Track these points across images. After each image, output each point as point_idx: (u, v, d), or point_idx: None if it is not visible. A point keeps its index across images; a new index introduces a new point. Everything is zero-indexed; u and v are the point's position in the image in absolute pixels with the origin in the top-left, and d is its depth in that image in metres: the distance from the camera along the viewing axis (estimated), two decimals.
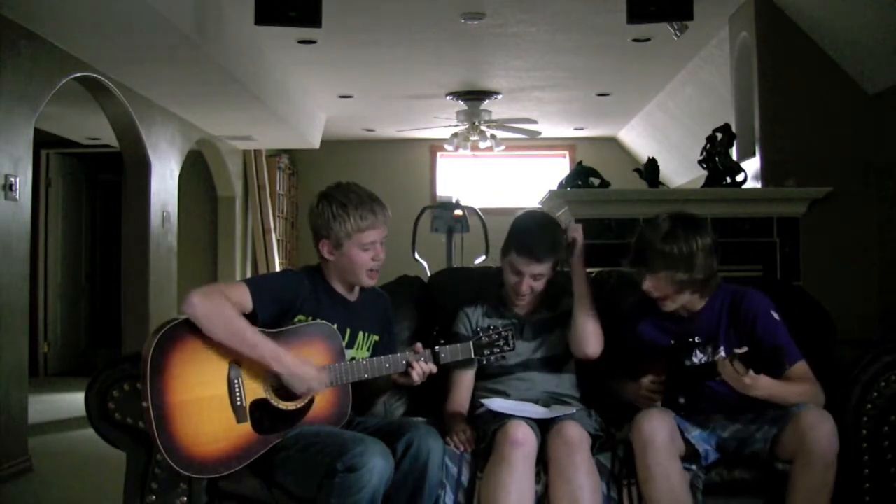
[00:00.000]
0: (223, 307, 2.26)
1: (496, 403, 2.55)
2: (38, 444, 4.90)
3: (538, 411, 2.52)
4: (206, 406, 2.26)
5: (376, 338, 2.63)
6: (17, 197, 4.45)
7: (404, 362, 2.43)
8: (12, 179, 4.39)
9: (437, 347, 2.46)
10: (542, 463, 2.38)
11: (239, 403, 2.30)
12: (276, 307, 2.41)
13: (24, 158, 4.54)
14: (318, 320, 2.45)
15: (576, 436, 2.35)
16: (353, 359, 2.50)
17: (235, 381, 2.30)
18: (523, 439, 2.33)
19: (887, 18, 4.57)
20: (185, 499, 2.39)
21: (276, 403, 2.35)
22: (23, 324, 4.58)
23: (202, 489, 2.37)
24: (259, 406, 2.33)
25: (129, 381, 2.39)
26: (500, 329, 2.52)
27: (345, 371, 2.40)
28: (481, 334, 2.52)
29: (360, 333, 2.57)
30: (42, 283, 8.39)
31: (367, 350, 2.59)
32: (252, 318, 2.35)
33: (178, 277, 6.91)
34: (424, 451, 2.28)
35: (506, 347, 2.51)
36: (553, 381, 2.70)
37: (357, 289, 2.60)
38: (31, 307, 4.99)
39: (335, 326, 2.47)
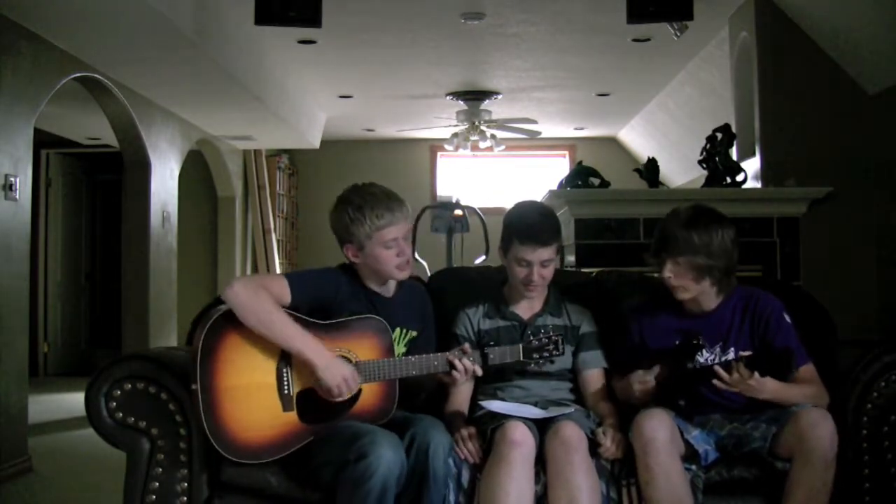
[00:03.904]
0: (261, 297, 2.29)
1: (495, 405, 2.54)
2: (38, 444, 4.89)
3: (536, 412, 2.52)
4: (253, 393, 2.31)
5: (414, 333, 2.63)
6: (17, 197, 4.45)
7: (446, 360, 2.42)
8: (12, 179, 4.39)
9: (486, 349, 2.47)
10: (542, 463, 2.38)
11: (286, 392, 2.34)
12: (313, 303, 2.44)
13: (24, 158, 4.54)
14: (370, 315, 2.46)
15: (573, 436, 2.34)
16: None
17: (285, 371, 2.34)
18: (521, 439, 2.32)
19: (887, 18, 4.57)
20: (185, 498, 2.39)
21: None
22: (23, 324, 4.57)
23: (203, 483, 2.39)
24: (306, 396, 2.36)
25: (129, 381, 2.40)
26: (551, 333, 2.51)
27: (381, 368, 2.39)
28: (532, 338, 2.50)
29: (398, 329, 2.58)
30: (42, 283, 8.39)
31: (405, 346, 2.60)
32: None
33: (178, 277, 6.91)
34: (426, 443, 2.29)
35: (555, 352, 2.50)
36: (551, 386, 2.68)
37: (392, 284, 2.61)
38: (31, 307, 4.99)
39: None
